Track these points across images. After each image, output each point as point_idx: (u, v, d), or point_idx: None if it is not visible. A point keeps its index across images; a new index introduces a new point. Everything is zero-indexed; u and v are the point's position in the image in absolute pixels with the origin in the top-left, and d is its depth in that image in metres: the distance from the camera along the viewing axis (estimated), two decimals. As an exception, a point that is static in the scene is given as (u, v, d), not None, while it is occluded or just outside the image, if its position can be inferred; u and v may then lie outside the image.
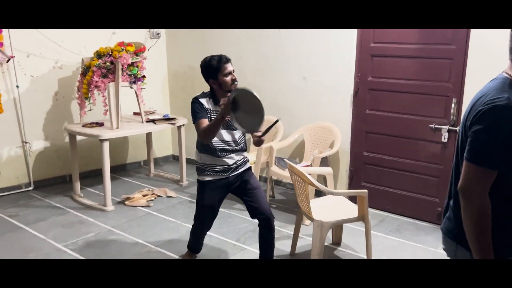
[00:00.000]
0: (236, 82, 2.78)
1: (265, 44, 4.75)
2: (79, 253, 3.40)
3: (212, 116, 2.80)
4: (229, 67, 2.77)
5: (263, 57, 4.78)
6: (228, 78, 2.75)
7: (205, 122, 2.73)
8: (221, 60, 2.74)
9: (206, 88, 2.77)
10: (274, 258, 3.17)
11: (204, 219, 3.10)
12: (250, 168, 3.06)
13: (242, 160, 2.99)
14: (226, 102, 2.51)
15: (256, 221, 2.84)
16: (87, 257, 3.34)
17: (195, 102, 2.80)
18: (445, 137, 3.78)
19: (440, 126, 3.79)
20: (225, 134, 2.87)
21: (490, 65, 3.43)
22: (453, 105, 3.68)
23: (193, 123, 2.79)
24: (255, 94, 2.43)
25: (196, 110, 2.77)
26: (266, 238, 2.96)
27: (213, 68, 2.74)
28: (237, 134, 2.91)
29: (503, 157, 1.45)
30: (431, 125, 3.84)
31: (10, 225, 3.89)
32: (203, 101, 2.81)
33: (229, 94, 2.57)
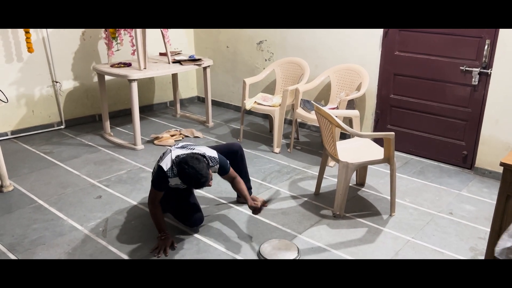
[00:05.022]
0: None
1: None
2: (112, 188, 3.57)
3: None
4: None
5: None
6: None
7: (160, 195, 2.77)
8: (191, 184, 2.60)
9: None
10: (299, 196, 3.29)
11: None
12: None
13: None
14: None
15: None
16: (120, 192, 3.51)
17: (165, 177, 2.70)
18: (475, 79, 3.70)
19: (471, 69, 3.71)
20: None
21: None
22: (486, 46, 3.58)
23: (152, 186, 2.77)
24: None
25: (161, 182, 2.72)
26: None
27: (185, 179, 2.57)
28: None
29: None
30: (461, 67, 3.76)
31: (46, 161, 4.07)
32: (172, 180, 2.72)
33: None
